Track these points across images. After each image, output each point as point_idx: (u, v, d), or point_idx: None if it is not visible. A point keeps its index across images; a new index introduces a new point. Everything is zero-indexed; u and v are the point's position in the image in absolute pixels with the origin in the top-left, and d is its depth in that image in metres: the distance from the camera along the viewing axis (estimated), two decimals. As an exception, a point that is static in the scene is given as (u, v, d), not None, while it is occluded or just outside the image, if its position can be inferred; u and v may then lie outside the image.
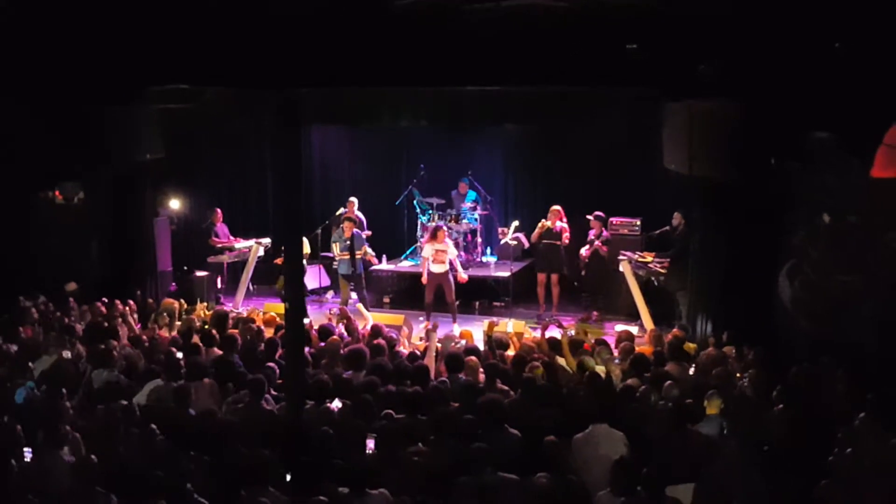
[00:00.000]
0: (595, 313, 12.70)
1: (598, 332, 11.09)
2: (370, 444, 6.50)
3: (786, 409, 6.74)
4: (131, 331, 9.83)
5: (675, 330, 9.81)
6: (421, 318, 11.99)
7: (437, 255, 12.16)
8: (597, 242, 12.60)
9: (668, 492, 5.53)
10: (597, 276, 12.83)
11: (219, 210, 13.81)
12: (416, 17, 8.67)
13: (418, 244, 14.33)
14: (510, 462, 5.99)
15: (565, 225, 12.68)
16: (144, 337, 9.41)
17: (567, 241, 12.67)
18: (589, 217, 12.79)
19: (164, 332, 9.95)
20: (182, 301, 11.23)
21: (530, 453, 6.23)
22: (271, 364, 8.13)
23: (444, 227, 12.57)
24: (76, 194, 12.21)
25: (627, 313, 12.25)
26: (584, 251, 12.78)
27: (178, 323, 10.41)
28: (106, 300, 10.60)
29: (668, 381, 7.44)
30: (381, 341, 9.00)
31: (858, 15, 7.96)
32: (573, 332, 9.41)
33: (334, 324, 10.01)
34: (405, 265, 14.06)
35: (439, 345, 9.19)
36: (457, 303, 12.36)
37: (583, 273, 12.96)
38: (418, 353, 9.07)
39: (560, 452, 6.18)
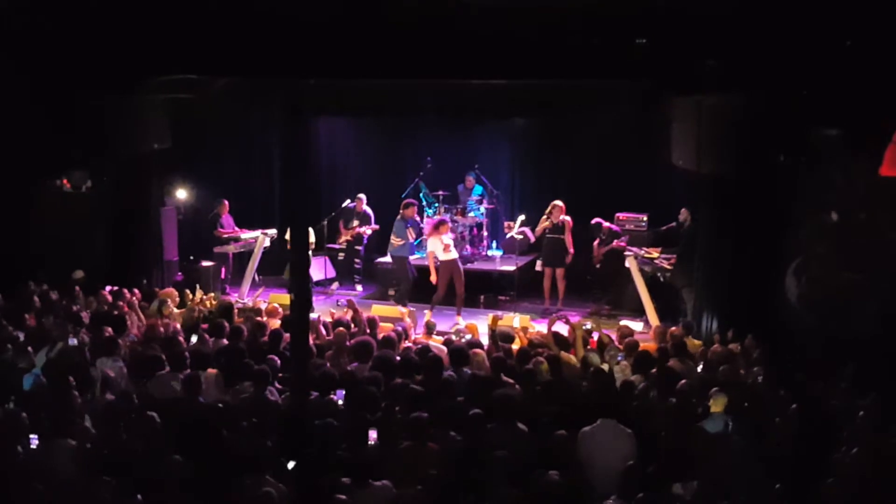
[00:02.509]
0: (606, 308, 12.65)
1: (608, 326, 11.05)
2: (373, 435, 6.49)
3: (792, 406, 6.73)
4: (140, 319, 9.85)
5: (678, 326, 9.80)
6: (426, 312, 11.97)
7: (445, 248, 12.14)
8: (616, 241, 12.58)
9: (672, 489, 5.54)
10: (608, 271, 12.81)
11: (226, 201, 13.81)
12: (423, 9, 8.66)
13: (422, 238, 14.33)
14: (517, 457, 5.99)
15: (568, 218, 12.66)
16: (161, 327, 9.41)
17: (570, 240, 12.67)
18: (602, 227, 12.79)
19: (168, 322, 9.95)
20: (188, 291, 11.25)
21: (534, 447, 6.23)
22: (273, 356, 8.13)
23: (449, 222, 12.53)
24: (84, 183, 12.21)
25: (633, 309, 12.24)
26: (596, 245, 12.76)
27: (178, 312, 10.41)
28: (113, 288, 10.62)
29: (683, 381, 7.42)
30: (392, 333, 9.01)
31: (868, 11, 7.93)
32: (589, 326, 9.36)
33: (347, 318, 10.00)
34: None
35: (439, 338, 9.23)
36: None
37: (597, 266, 12.93)
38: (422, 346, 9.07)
39: (567, 447, 6.18)
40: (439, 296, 12.19)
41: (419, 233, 12.86)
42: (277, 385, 7.72)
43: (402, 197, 14.27)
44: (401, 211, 12.77)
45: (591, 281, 13.21)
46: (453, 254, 12.12)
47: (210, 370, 7.76)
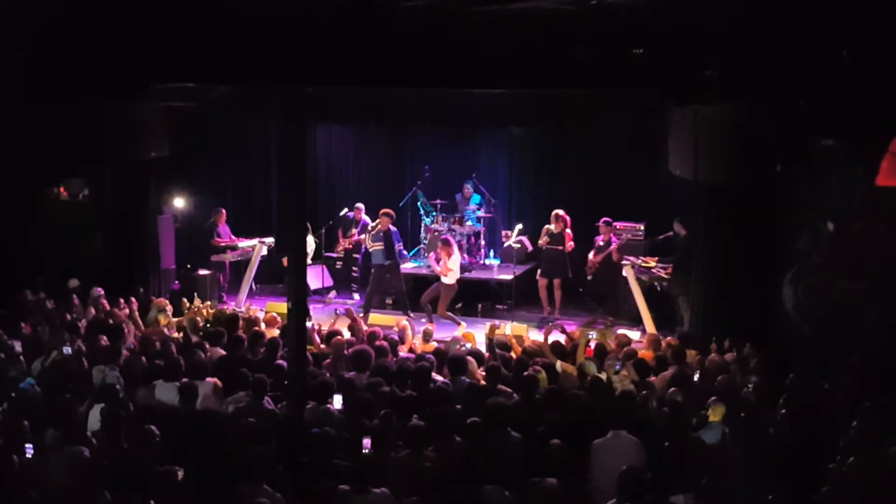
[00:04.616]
0: (609, 318, 12.60)
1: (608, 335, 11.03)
2: (367, 443, 6.46)
3: (789, 415, 6.74)
4: (138, 328, 9.83)
5: (674, 335, 9.79)
6: (423, 320, 11.98)
7: (443, 272, 12.18)
8: (613, 246, 12.56)
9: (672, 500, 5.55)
10: (603, 281, 12.81)
11: (223, 210, 13.81)
12: (423, 18, 8.67)
13: (421, 245, 14.33)
14: (511, 465, 5.99)
15: (568, 230, 12.67)
16: (155, 336, 9.40)
17: (571, 247, 12.65)
18: (599, 224, 12.76)
19: (165, 332, 9.93)
20: (185, 300, 11.24)
21: (531, 455, 6.23)
22: (279, 363, 8.12)
23: (453, 243, 12.50)
24: (81, 191, 12.22)
25: (630, 318, 12.23)
26: (592, 256, 12.76)
27: (174, 321, 10.40)
28: (102, 291, 10.61)
29: (672, 388, 7.43)
30: (384, 343, 9.00)
31: (865, 22, 7.95)
32: (594, 335, 9.34)
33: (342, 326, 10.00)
34: (408, 267, 14.05)
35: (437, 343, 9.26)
36: (458, 305, 12.32)
37: (588, 278, 12.93)
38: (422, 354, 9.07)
39: (565, 456, 6.17)
40: (422, 302, 12.30)
41: (395, 241, 12.83)
42: (277, 393, 7.70)
43: (400, 206, 14.32)
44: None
45: (584, 293, 13.18)
46: (449, 279, 12.13)
47: (209, 379, 7.74)
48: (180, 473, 5.77)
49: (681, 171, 10.58)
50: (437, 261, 12.26)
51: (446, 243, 12.21)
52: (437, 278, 12.31)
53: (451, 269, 12.08)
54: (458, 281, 12.29)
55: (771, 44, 8.30)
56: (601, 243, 12.70)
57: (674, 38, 8.59)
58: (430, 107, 11.82)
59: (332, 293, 14.19)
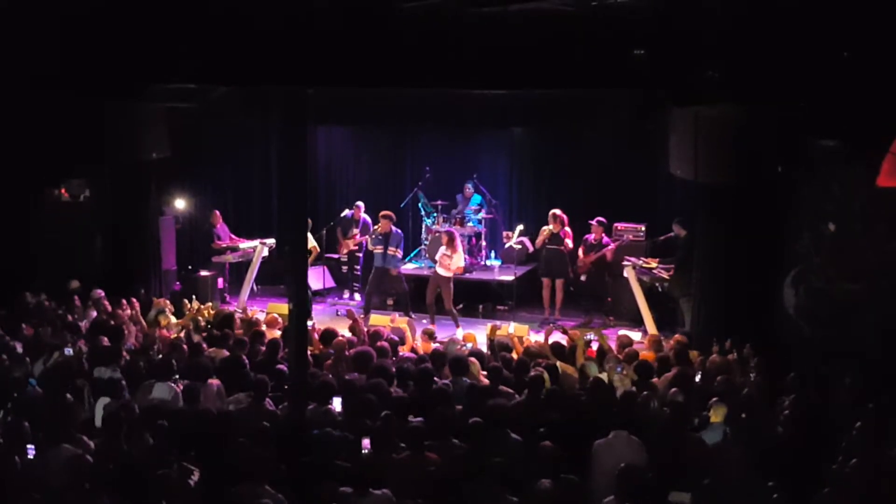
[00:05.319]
0: (610, 318, 12.59)
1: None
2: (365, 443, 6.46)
3: (790, 416, 6.74)
4: (141, 329, 9.83)
5: (676, 336, 9.79)
6: (424, 321, 11.98)
7: (443, 260, 12.19)
8: (610, 248, 12.56)
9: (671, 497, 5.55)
10: (598, 281, 12.81)
11: (217, 211, 13.80)
12: (423, 19, 8.67)
13: (422, 246, 14.33)
14: (512, 466, 5.99)
15: (568, 229, 12.66)
16: (159, 337, 9.40)
17: (570, 247, 12.66)
18: (591, 222, 12.76)
19: (165, 332, 9.93)
20: (185, 300, 11.24)
21: (532, 456, 6.23)
22: (281, 366, 8.12)
23: (457, 236, 12.53)
24: (82, 192, 12.22)
25: (630, 318, 12.23)
26: (581, 254, 12.75)
27: (175, 322, 10.39)
28: (102, 292, 10.61)
29: (673, 389, 7.43)
30: (385, 343, 9.00)
31: (866, 22, 7.96)
32: (592, 336, 9.33)
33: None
34: (409, 267, 14.04)
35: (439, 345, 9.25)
36: (459, 307, 12.33)
37: (582, 279, 12.92)
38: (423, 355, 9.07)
39: (559, 458, 6.17)
40: (428, 304, 12.31)
41: (397, 244, 12.87)
42: (278, 394, 7.70)
43: (401, 207, 14.31)
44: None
45: (577, 293, 13.17)
46: (444, 271, 12.13)
47: (212, 380, 7.73)
48: (196, 473, 5.78)
49: (681, 172, 10.57)
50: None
51: (450, 237, 12.22)
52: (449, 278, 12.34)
53: (460, 266, 12.15)
54: (458, 282, 12.30)
55: (771, 45, 8.30)
56: (592, 241, 12.72)
57: (674, 38, 8.59)
58: (430, 107, 11.83)
59: (346, 293, 14.19)
